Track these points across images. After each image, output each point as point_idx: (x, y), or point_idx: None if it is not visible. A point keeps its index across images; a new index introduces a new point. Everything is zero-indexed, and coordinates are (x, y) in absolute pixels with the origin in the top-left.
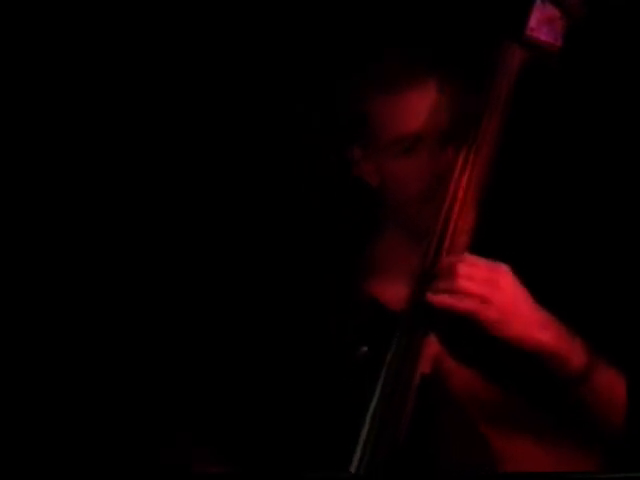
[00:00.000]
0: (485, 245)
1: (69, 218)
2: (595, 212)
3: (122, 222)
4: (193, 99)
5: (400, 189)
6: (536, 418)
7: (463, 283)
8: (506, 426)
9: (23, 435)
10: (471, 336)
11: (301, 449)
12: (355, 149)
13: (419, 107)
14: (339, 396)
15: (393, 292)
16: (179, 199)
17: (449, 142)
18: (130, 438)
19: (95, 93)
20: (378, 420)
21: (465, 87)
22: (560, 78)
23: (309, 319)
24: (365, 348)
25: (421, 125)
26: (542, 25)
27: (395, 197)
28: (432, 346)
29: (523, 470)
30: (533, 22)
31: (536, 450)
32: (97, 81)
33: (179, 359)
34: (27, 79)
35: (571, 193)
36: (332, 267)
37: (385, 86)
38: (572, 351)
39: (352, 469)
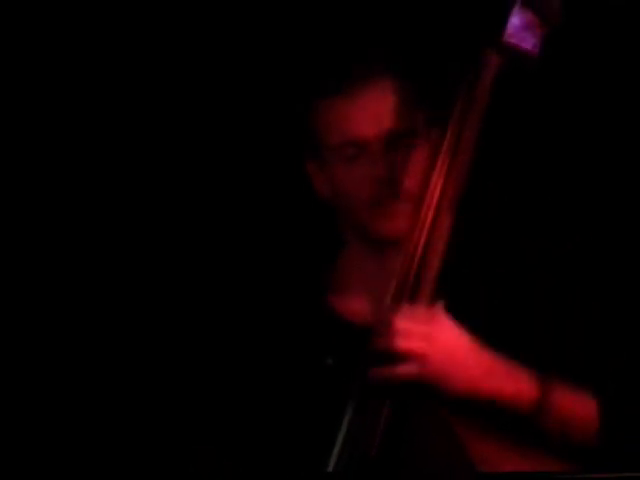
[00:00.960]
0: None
1: (68, 219)
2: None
3: (119, 227)
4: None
5: (350, 195)
6: (510, 425)
7: (400, 342)
8: (481, 429)
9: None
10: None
11: (279, 451)
12: (309, 163)
13: (357, 113)
14: (312, 404)
15: (358, 307)
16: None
17: (396, 146)
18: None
19: (94, 94)
20: (353, 425)
21: (423, 92)
22: (538, 84)
23: (279, 334)
24: (330, 360)
25: (360, 131)
26: (520, 31)
27: (347, 204)
28: None
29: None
30: (511, 28)
31: (513, 452)
32: (96, 82)
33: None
34: (28, 80)
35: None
36: (299, 283)
37: (321, 91)
38: (520, 390)
39: (329, 469)
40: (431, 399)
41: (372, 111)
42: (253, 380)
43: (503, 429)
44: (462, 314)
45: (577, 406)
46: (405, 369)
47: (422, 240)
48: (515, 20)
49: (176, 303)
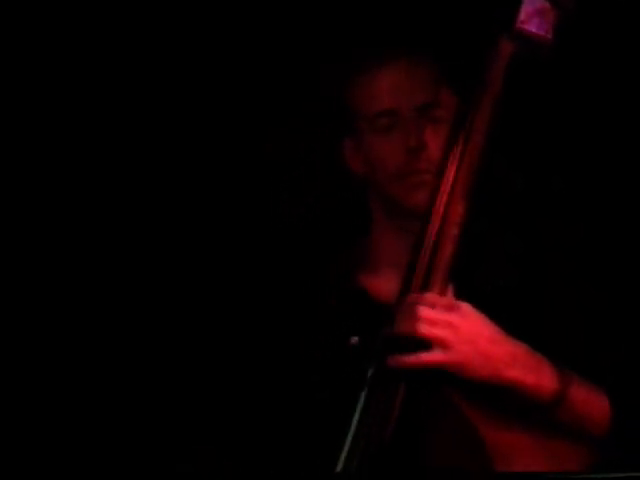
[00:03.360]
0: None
1: (68, 220)
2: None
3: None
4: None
5: (380, 167)
6: (526, 414)
7: (424, 330)
8: (497, 419)
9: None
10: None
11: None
12: (345, 141)
13: (392, 85)
14: (331, 385)
15: (383, 284)
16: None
17: (423, 119)
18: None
19: (94, 94)
20: (365, 420)
21: (446, 70)
22: (552, 71)
23: (306, 311)
24: (356, 338)
25: (394, 102)
26: (532, 17)
27: (380, 177)
28: None
29: (515, 463)
30: (523, 15)
31: (529, 443)
32: (96, 82)
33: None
34: (28, 80)
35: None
36: (327, 259)
37: (358, 67)
38: (541, 381)
39: (338, 469)
40: (444, 385)
41: (403, 84)
42: (274, 363)
43: (517, 417)
44: (475, 301)
45: (593, 401)
46: (429, 357)
47: (436, 226)
48: (527, 6)
49: (194, 285)
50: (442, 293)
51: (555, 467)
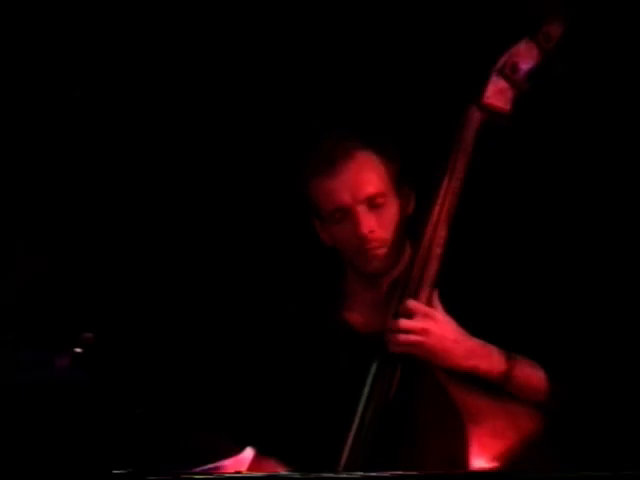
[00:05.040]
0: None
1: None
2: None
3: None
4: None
5: (340, 246)
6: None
7: (403, 337)
8: (468, 390)
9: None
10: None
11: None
12: (315, 221)
13: (342, 185)
14: (328, 395)
15: (359, 318)
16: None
17: (371, 208)
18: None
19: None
20: (376, 383)
21: (391, 161)
22: (510, 133)
23: (306, 341)
24: (344, 359)
25: (345, 199)
26: (495, 94)
27: (342, 250)
28: None
29: (481, 421)
30: (488, 92)
31: (491, 406)
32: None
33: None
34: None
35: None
36: (314, 300)
37: (312, 173)
38: (491, 366)
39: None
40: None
41: (351, 183)
42: (284, 377)
43: (481, 389)
44: (453, 304)
45: (533, 375)
46: (406, 349)
47: (425, 248)
48: (491, 86)
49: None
50: (429, 298)
51: (514, 426)
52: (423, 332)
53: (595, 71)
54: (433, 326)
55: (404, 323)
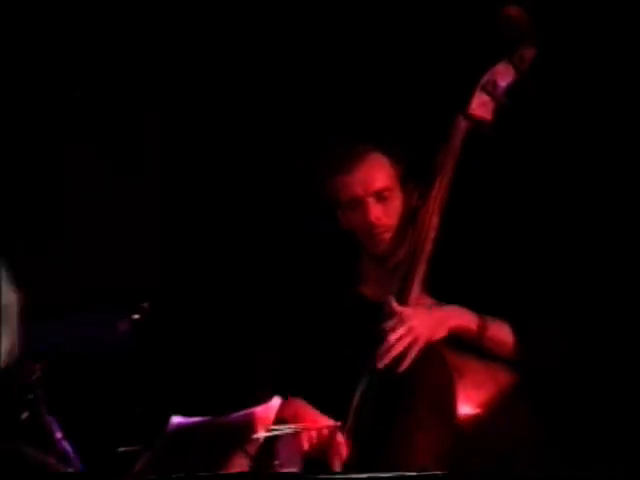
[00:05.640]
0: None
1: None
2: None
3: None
4: None
5: (353, 230)
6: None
7: (392, 337)
8: (459, 345)
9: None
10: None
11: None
12: (337, 211)
13: (356, 181)
14: (347, 350)
15: (372, 291)
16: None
17: (379, 200)
18: None
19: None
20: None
21: (397, 162)
22: (492, 140)
23: (324, 308)
24: (357, 326)
25: (358, 192)
26: (479, 106)
27: (356, 234)
28: None
29: (465, 376)
30: (473, 104)
31: (475, 363)
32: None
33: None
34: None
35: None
36: (337, 276)
37: (332, 171)
38: (468, 321)
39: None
40: None
41: (363, 179)
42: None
43: (466, 350)
44: (443, 280)
45: (503, 331)
46: (400, 347)
47: (423, 231)
48: (476, 99)
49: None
50: (426, 272)
51: (492, 380)
52: (409, 331)
53: (563, 86)
54: (414, 321)
55: (392, 335)
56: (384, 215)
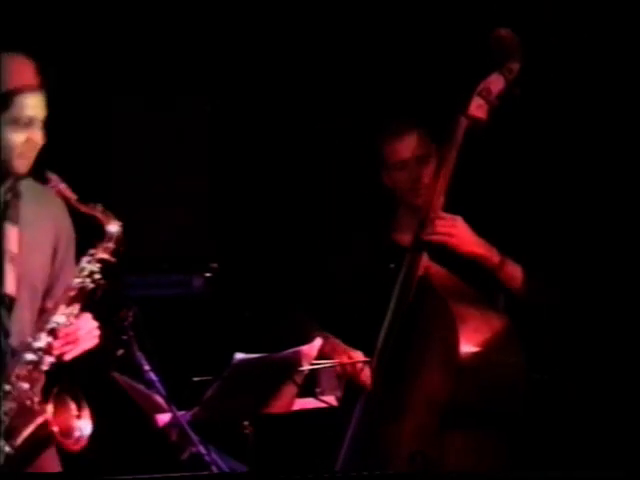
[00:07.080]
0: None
1: None
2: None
3: None
4: None
5: (397, 188)
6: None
7: (439, 229)
8: (462, 298)
9: None
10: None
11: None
12: (383, 170)
13: (404, 146)
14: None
15: (403, 239)
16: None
17: (420, 163)
18: None
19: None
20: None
21: (431, 136)
22: (488, 135)
23: (365, 253)
24: (392, 265)
25: (405, 156)
26: (476, 108)
27: (399, 190)
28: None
29: (467, 323)
30: (472, 107)
31: (474, 310)
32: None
33: None
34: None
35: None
36: (378, 225)
37: (387, 137)
38: (491, 254)
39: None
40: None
41: (410, 145)
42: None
43: (475, 298)
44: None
45: (517, 270)
46: (441, 238)
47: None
48: (474, 102)
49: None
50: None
51: (487, 324)
52: (452, 225)
53: (544, 91)
54: (459, 221)
55: (441, 219)
56: (425, 176)
